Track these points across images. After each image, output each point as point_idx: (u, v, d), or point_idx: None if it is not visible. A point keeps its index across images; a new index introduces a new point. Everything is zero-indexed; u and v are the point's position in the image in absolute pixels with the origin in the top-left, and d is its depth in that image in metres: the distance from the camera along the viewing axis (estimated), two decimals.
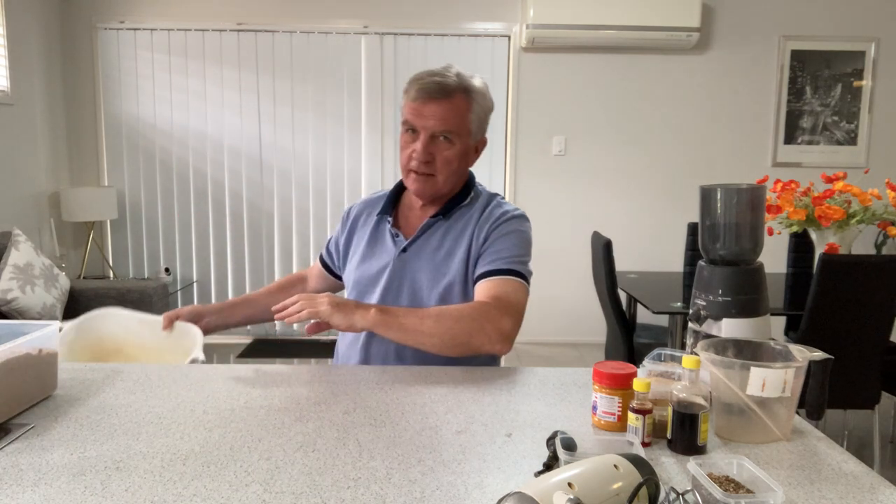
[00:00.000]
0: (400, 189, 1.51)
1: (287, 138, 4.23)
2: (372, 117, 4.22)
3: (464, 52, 4.16)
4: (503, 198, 1.49)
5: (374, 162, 4.25)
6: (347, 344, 1.44)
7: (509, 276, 1.33)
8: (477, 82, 1.39)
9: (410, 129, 1.36)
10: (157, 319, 1.42)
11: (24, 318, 2.83)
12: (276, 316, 1.24)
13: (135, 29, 4.12)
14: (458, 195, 1.44)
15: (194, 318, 1.44)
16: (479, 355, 1.29)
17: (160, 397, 1.07)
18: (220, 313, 1.50)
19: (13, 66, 3.61)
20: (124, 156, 4.21)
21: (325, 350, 4.10)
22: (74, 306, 3.21)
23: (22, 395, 1.00)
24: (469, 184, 1.47)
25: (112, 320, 1.47)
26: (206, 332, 1.45)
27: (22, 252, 2.96)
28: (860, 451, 2.78)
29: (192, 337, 1.36)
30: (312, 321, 1.21)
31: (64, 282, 3.16)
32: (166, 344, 1.40)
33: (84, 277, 4.09)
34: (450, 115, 1.34)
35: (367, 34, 4.16)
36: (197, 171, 4.24)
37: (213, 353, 4.08)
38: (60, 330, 1.36)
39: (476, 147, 1.43)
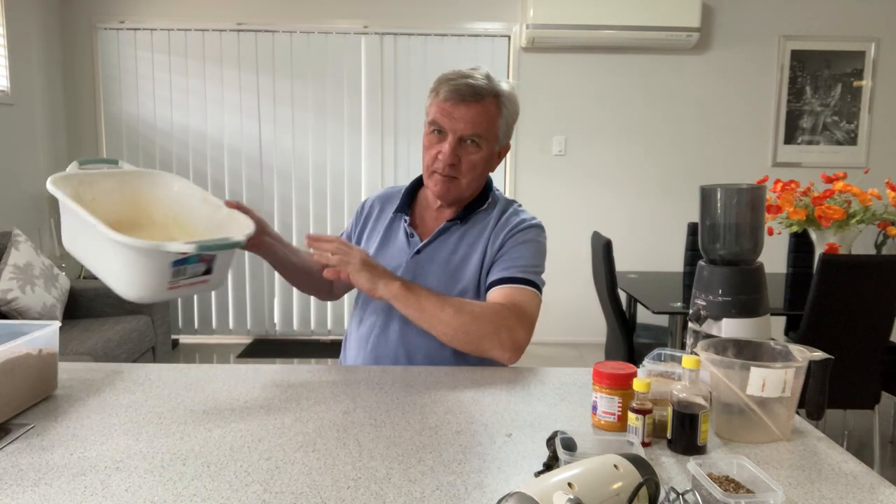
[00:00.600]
0: (416, 186, 1.49)
1: (287, 138, 4.23)
2: (372, 117, 4.21)
3: (464, 52, 4.16)
4: (520, 205, 1.48)
5: (374, 162, 4.25)
6: (356, 344, 1.43)
7: (524, 284, 1.32)
8: (507, 87, 1.37)
9: (437, 130, 1.34)
10: (219, 202, 1.32)
11: (24, 318, 2.83)
12: (307, 242, 1.24)
13: (135, 29, 4.12)
14: (477, 199, 1.43)
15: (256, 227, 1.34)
16: (485, 358, 1.29)
17: (160, 397, 1.07)
18: (277, 240, 1.42)
19: (13, 66, 3.61)
20: (124, 156, 4.21)
21: (325, 350, 4.10)
22: (74, 306, 3.21)
23: (22, 395, 1.00)
24: (487, 188, 1.45)
25: (166, 187, 1.34)
26: (257, 248, 1.37)
27: (22, 252, 2.96)
28: (860, 451, 2.78)
29: (246, 226, 1.25)
30: (335, 267, 1.21)
31: (64, 282, 3.16)
32: (214, 223, 1.29)
33: (84, 277, 4.09)
34: (480, 119, 1.32)
35: (367, 34, 4.16)
36: (197, 171, 4.23)
37: (213, 353, 4.08)
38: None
39: (500, 152, 1.41)
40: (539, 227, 1.42)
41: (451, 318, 1.22)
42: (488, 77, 1.34)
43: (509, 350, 1.25)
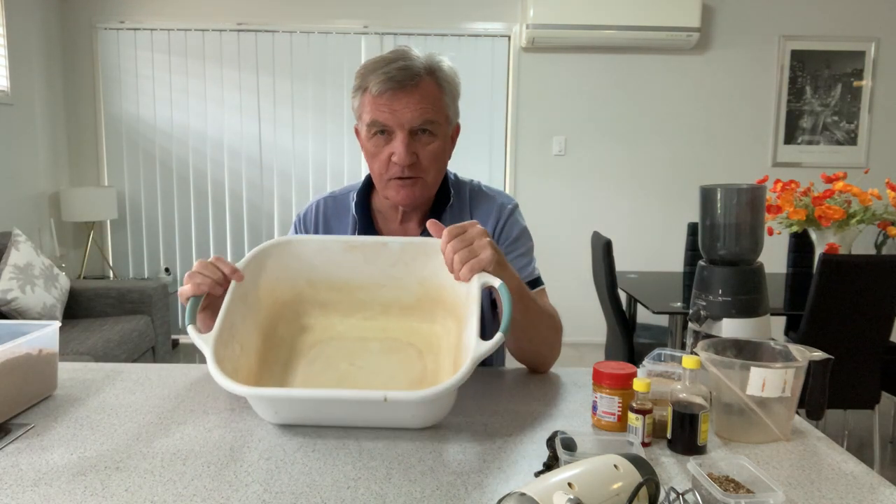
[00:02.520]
0: (364, 196, 1.32)
1: (287, 138, 4.23)
2: None
3: (464, 52, 4.16)
4: (478, 181, 1.34)
5: None
6: None
7: (539, 285, 1.26)
8: (442, 60, 1.20)
9: (380, 131, 1.16)
10: (368, 241, 1.09)
11: (24, 318, 2.83)
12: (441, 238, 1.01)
13: (135, 29, 4.12)
14: (440, 196, 1.27)
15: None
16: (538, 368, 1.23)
17: (160, 397, 1.07)
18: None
19: (13, 66, 3.60)
20: (124, 156, 4.21)
21: None
22: (74, 306, 3.21)
23: (22, 395, 1.00)
24: (444, 178, 1.29)
25: (295, 258, 1.10)
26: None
27: (22, 252, 2.96)
28: (860, 451, 2.78)
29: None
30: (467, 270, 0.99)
31: (64, 282, 3.16)
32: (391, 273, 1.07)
33: (84, 277, 4.09)
34: (425, 103, 1.14)
35: (367, 34, 4.16)
36: (197, 171, 4.24)
37: None
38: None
39: (452, 136, 1.25)
40: (517, 209, 1.31)
41: (553, 322, 1.15)
42: (417, 56, 1.16)
43: (554, 360, 1.22)
